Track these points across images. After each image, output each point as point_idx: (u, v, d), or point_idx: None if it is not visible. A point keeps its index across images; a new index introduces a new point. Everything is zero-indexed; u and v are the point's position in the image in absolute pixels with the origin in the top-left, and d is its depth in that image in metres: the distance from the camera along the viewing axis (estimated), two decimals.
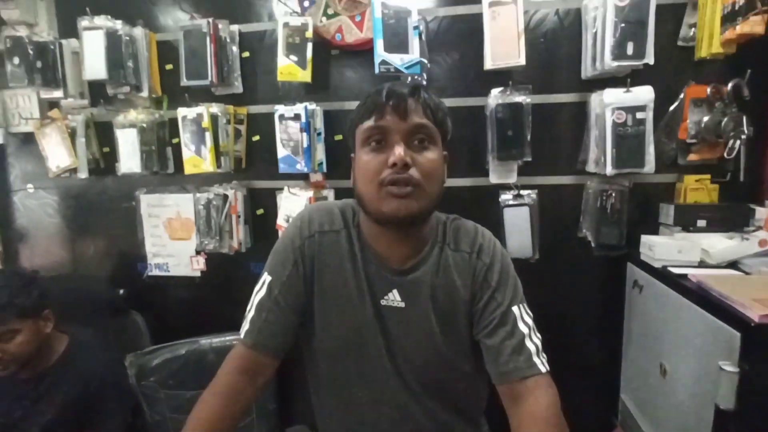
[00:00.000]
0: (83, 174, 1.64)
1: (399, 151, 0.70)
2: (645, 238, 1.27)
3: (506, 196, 1.42)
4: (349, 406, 0.84)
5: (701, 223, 1.25)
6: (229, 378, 0.78)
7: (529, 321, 0.77)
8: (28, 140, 1.71)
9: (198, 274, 1.66)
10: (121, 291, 1.63)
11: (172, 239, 1.66)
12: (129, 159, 1.57)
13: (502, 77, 1.36)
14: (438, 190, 0.76)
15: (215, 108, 1.48)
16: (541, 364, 0.73)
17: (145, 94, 1.57)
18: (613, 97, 1.28)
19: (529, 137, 1.35)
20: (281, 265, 0.82)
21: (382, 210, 0.72)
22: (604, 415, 1.45)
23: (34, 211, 1.78)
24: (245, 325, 0.81)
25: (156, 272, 1.69)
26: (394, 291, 0.80)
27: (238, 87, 1.55)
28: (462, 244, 0.82)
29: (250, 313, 0.81)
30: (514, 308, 0.77)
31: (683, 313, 1.04)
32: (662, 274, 1.16)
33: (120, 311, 1.61)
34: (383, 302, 0.80)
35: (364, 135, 0.74)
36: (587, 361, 1.48)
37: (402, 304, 0.80)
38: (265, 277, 0.82)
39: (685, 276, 1.09)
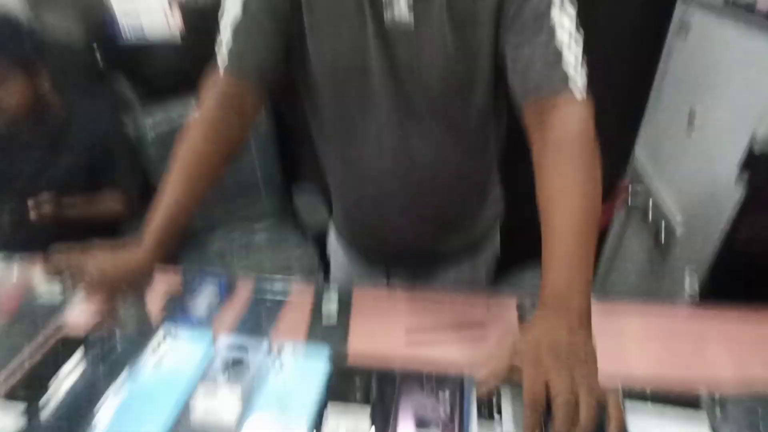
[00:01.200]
0: None
1: None
2: None
3: None
4: (352, 144, 0.77)
5: None
6: (212, 110, 0.68)
7: (570, 25, 0.61)
8: None
9: (177, 34, 1.47)
10: (96, 50, 1.48)
11: None
12: None
13: None
14: None
15: None
16: (580, 79, 0.61)
17: None
18: None
19: None
20: None
21: None
22: (613, 169, 1.43)
23: None
24: (222, 54, 0.68)
25: (132, 35, 1.50)
26: (400, 0, 0.63)
27: None
28: None
29: (225, 39, 0.68)
30: (554, 11, 0.61)
31: (740, 50, 0.90)
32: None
33: (104, 78, 1.51)
34: (387, 16, 0.65)
35: None
36: (605, 113, 1.38)
37: (410, 20, 0.64)
38: None
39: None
